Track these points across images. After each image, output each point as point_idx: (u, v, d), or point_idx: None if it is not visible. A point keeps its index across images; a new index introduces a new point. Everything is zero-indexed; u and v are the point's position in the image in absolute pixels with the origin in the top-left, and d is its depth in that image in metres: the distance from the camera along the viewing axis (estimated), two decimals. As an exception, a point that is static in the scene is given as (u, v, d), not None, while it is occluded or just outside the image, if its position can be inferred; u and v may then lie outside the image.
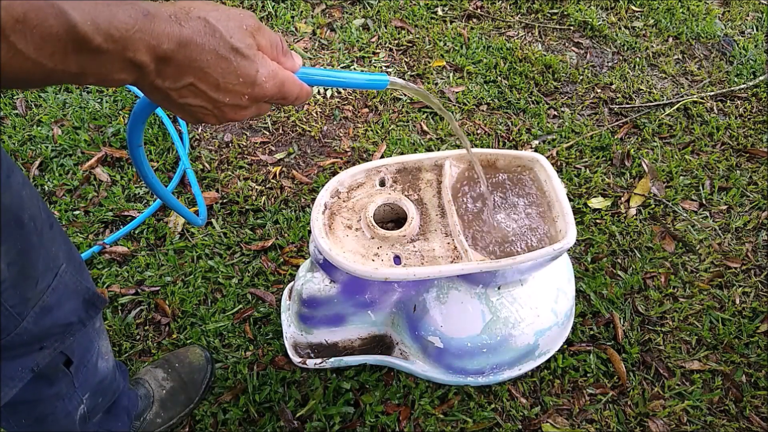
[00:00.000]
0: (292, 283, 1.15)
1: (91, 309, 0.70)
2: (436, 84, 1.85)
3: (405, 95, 1.80)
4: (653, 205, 1.53)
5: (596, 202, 1.53)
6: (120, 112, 1.70)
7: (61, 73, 0.38)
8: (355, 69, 1.88)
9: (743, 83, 1.89)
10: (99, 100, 1.73)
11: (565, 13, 2.14)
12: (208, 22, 0.44)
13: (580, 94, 1.86)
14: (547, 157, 1.46)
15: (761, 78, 1.91)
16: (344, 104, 1.78)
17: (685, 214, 1.52)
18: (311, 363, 1.10)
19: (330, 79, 0.55)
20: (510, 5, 2.18)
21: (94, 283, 0.74)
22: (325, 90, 1.81)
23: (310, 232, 1.13)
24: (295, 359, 1.10)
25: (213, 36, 0.44)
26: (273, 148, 1.65)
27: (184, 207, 0.78)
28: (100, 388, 0.85)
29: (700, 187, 1.58)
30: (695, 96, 1.84)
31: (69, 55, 0.37)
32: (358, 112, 1.77)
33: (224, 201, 1.50)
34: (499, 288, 1.00)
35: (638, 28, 2.11)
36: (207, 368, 1.16)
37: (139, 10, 0.40)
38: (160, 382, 1.11)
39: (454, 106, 1.78)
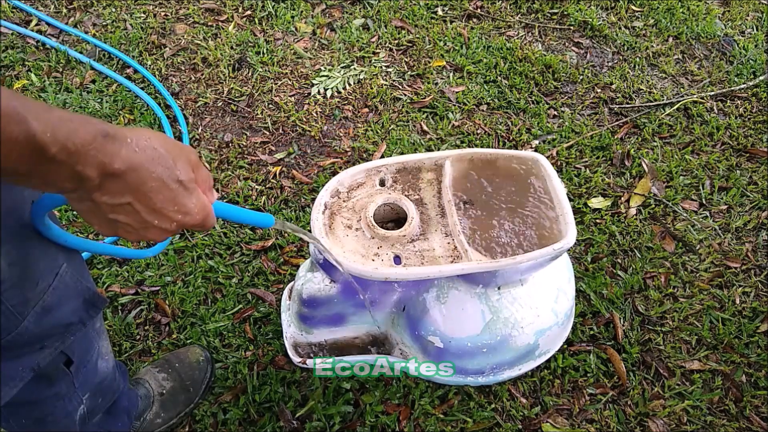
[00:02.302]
0: (292, 283, 1.15)
1: (91, 309, 0.70)
2: (436, 84, 1.85)
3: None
4: (653, 205, 1.53)
5: (596, 202, 1.53)
6: (120, 112, 1.70)
7: (11, 172, 0.41)
8: (354, 68, 1.88)
9: (743, 83, 1.89)
10: (99, 100, 1.73)
11: (565, 12, 2.14)
12: (161, 152, 0.48)
13: (580, 94, 1.86)
14: (547, 157, 1.46)
15: (761, 78, 1.91)
16: (344, 104, 1.78)
17: (685, 214, 1.52)
18: (311, 363, 1.10)
19: (231, 214, 0.63)
20: (510, 5, 2.18)
21: (94, 282, 0.74)
22: (325, 90, 1.81)
23: (310, 231, 1.13)
24: (295, 359, 1.10)
25: (163, 165, 0.48)
26: (273, 148, 1.65)
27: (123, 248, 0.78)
28: (100, 389, 0.85)
29: (700, 187, 1.58)
30: (695, 96, 1.84)
31: (23, 159, 0.40)
32: (358, 112, 1.77)
33: (224, 201, 1.50)
34: (499, 288, 1.00)
35: (638, 27, 2.11)
36: (207, 368, 1.16)
37: (99, 129, 0.44)
38: (160, 382, 1.11)
39: (454, 106, 1.78)
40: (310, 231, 0.90)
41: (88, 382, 0.81)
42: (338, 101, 1.79)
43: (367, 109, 1.77)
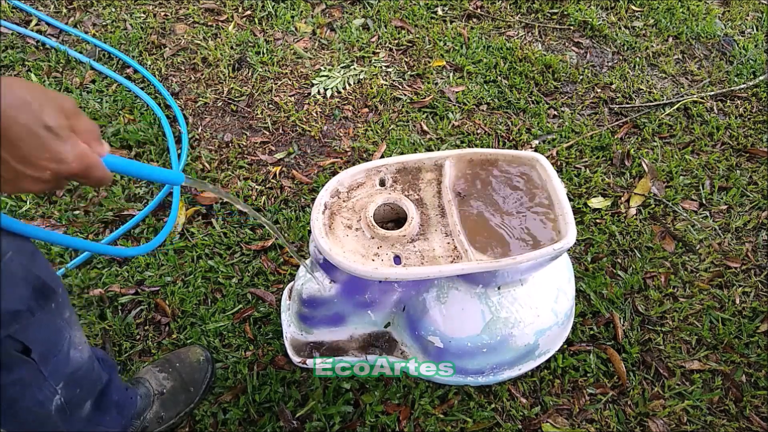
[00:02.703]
0: (292, 283, 1.15)
1: (41, 298, 0.70)
2: (436, 84, 1.85)
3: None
4: (653, 205, 1.53)
5: (596, 202, 1.53)
6: (120, 112, 1.70)
7: None
8: (354, 68, 1.88)
9: (743, 83, 1.89)
10: (99, 100, 1.73)
11: (565, 12, 2.14)
12: (25, 99, 0.46)
13: (580, 93, 1.86)
14: (547, 157, 1.46)
15: (761, 78, 1.91)
16: (344, 104, 1.78)
17: (685, 214, 1.52)
18: (311, 363, 1.10)
19: (131, 169, 0.60)
20: (510, 5, 2.18)
21: (56, 275, 0.75)
22: (325, 90, 1.81)
23: (310, 231, 1.13)
24: (295, 359, 1.10)
25: (28, 112, 0.46)
26: (273, 148, 1.65)
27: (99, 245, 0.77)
28: (74, 379, 0.85)
29: (700, 187, 1.58)
30: (695, 96, 1.84)
31: None
32: (358, 112, 1.77)
33: (224, 201, 1.50)
34: (499, 288, 1.00)
35: (638, 27, 2.11)
36: (207, 368, 1.16)
37: None
38: (160, 382, 1.11)
39: (454, 106, 1.78)
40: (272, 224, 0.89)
41: (59, 371, 0.80)
42: (338, 101, 1.79)
43: (367, 109, 1.77)
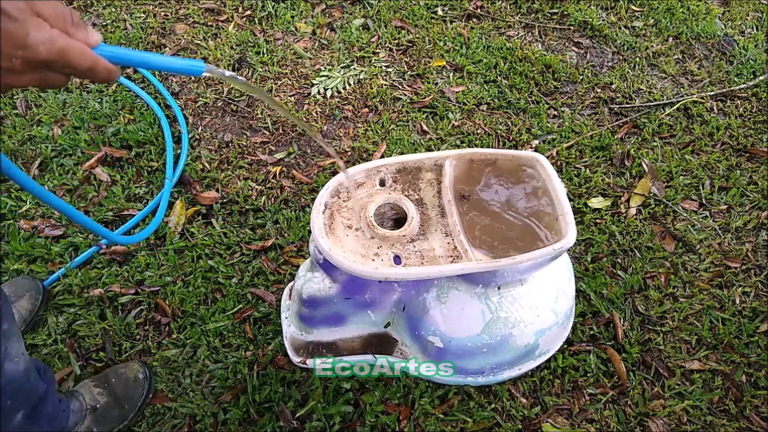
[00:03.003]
0: (292, 282, 1.15)
1: None
2: (436, 84, 1.85)
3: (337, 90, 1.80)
4: (653, 205, 1.53)
5: (596, 202, 1.53)
6: (120, 111, 1.70)
7: None
8: (354, 68, 1.88)
9: (743, 83, 1.89)
10: (99, 100, 1.73)
11: (565, 12, 2.14)
12: None
13: (580, 93, 1.86)
14: (547, 157, 1.46)
15: (761, 78, 1.91)
16: (344, 104, 1.78)
17: (685, 214, 1.52)
18: (311, 363, 1.10)
19: (136, 59, 0.55)
20: (510, 5, 2.18)
21: None
22: (325, 90, 1.81)
23: (310, 231, 1.14)
24: (295, 359, 1.10)
25: None
26: (273, 148, 1.65)
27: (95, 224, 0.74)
28: (9, 390, 0.84)
29: (700, 187, 1.58)
30: (695, 96, 1.84)
31: None
32: (358, 112, 1.77)
33: (224, 201, 1.50)
34: (499, 288, 1.00)
35: (638, 27, 2.11)
36: (144, 385, 1.15)
37: None
38: (94, 396, 1.11)
39: (454, 106, 1.78)
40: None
41: None
42: (338, 101, 1.79)
43: (367, 109, 1.77)
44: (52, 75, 0.51)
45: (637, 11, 2.18)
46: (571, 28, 2.10)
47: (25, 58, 0.48)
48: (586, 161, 1.64)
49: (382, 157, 1.62)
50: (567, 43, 2.05)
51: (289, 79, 1.85)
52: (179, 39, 1.95)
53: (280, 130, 1.70)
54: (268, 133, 1.69)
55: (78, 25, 0.52)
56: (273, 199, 1.52)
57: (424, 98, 1.79)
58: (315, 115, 1.74)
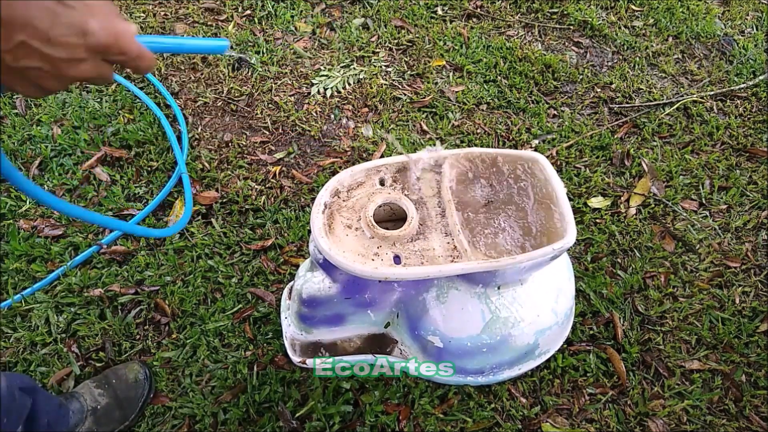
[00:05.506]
0: (292, 282, 1.15)
1: None
2: (436, 83, 1.85)
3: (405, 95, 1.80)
4: (653, 205, 1.53)
5: (596, 202, 1.53)
6: (120, 111, 1.70)
7: None
8: (354, 68, 1.88)
9: (743, 83, 1.89)
10: (99, 100, 1.73)
11: (565, 12, 2.14)
12: None
13: (579, 93, 1.86)
14: (547, 157, 1.45)
15: (761, 77, 1.91)
16: (344, 104, 1.78)
17: (684, 214, 1.52)
18: (311, 363, 1.10)
19: (167, 44, 0.57)
20: (510, 5, 2.18)
21: None
22: (325, 89, 1.81)
23: (309, 231, 1.13)
24: (295, 359, 1.10)
25: None
26: (273, 148, 1.65)
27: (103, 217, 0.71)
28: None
29: (700, 187, 1.58)
30: (695, 95, 1.84)
31: None
32: (358, 111, 1.77)
33: (224, 200, 1.50)
34: (499, 288, 1.00)
35: (638, 27, 2.11)
36: (144, 385, 1.15)
37: None
38: (95, 398, 1.11)
39: (454, 105, 1.78)
40: None
41: None
42: (338, 101, 1.79)
43: (366, 109, 1.77)
44: (105, 66, 0.52)
45: (637, 11, 2.18)
46: (571, 27, 2.10)
47: (87, 45, 0.48)
48: (586, 161, 1.64)
49: (382, 156, 1.62)
50: (567, 43, 2.05)
51: (289, 79, 1.85)
52: (179, 39, 1.95)
53: (280, 130, 1.70)
54: (267, 132, 1.69)
55: (119, 15, 0.53)
56: (273, 198, 1.52)
57: (424, 98, 1.79)
58: (315, 114, 1.74)
